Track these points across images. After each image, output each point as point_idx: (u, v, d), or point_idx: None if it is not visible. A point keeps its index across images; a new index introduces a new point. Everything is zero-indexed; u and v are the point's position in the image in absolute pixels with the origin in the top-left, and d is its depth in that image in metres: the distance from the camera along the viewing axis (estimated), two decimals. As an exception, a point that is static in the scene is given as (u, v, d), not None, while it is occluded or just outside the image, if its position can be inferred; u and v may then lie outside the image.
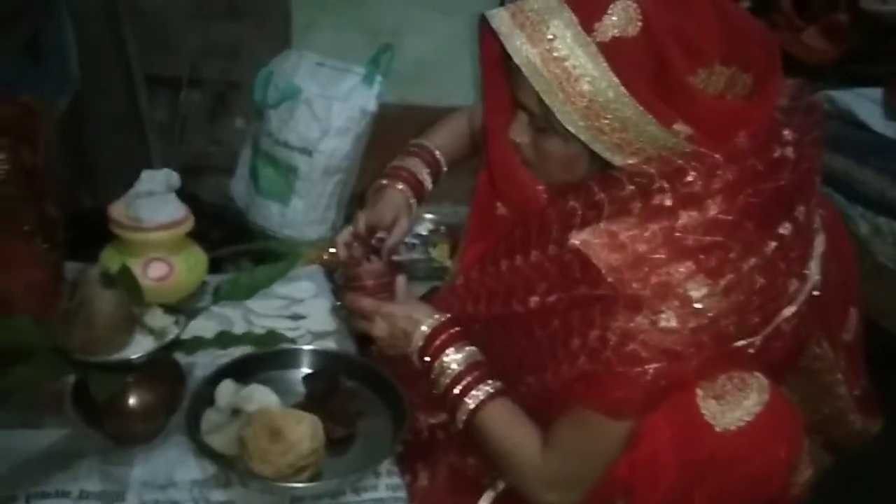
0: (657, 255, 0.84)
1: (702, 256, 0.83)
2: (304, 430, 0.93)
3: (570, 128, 0.85)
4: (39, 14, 1.54)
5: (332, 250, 1.27)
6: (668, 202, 0.84)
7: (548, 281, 0.93)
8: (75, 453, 0.92)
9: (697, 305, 0.83)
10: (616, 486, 0.89)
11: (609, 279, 0.84)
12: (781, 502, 0.92)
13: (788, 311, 0.88)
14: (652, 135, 0.84)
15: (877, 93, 1.81)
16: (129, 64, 1.75)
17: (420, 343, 1.01)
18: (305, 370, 1.10)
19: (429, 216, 2.10)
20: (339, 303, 1.15)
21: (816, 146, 0.94)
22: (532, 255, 0.95)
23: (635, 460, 0.87)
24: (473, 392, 0.98)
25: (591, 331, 0.87)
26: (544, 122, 0.89)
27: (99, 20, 1.74)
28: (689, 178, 0.84)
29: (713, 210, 0.84)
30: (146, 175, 1.15)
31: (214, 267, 1.65)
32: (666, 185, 0.84)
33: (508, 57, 0.86)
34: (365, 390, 1.09)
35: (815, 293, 0.91)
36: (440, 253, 1.97)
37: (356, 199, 1.21)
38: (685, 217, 0.84)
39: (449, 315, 1.03)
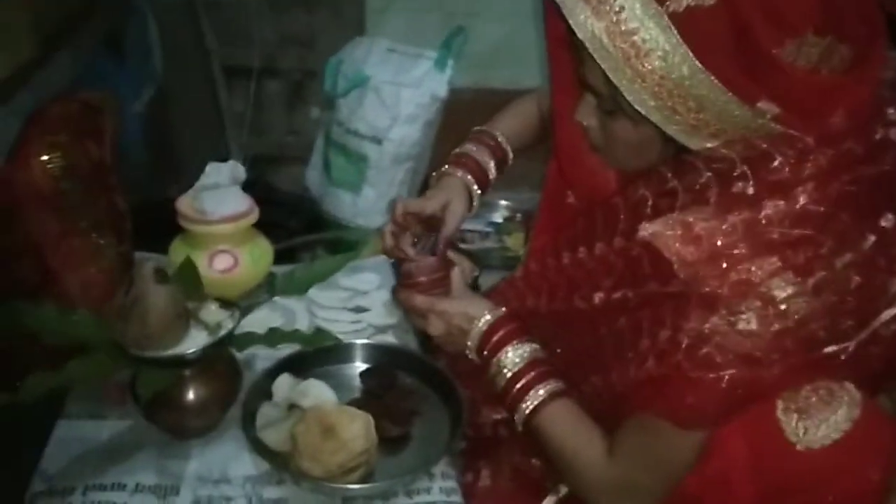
0: (737, 250, 0.74)
1: (788, 252, 0.73)
2: (357, 429, 0.89)
3: (640, 108, 0.76)
4: (118, 10, 1.56)
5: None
6: (751, 190, 0.74)
7: (614, 276, 0.84)
8: (135, 446, 0.91)
9: (782, 306, 0.73)
10: (685, 503, 0.80)
11: (682, 275, 0.75)
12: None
13: (888, 313, 0.76)
14: (733, 115, 0.74)
15: None
16: (209, 57, 1.76)
17: (477, 340, 0.95)
18: (364, 365, 1.06)
19: (504, 203, 2.02)
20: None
21: None
22: (597, 248, 0.87)
23: (707, 476, 0.78)
24: (533, 392, 0.91)
25: (662, 331, 0.78)
26: (612, 104, 0.80)
27: (179, 14, 1.76)
28: (776, 164, 0.74)
29: (803, 199, 0.73)
30: (211, 168, 1.14)
31: (289, 257, 1.65)
32: (748, 172, 0.74)
33: (573, 33, 0.77)
34: (423, 387, 1.04)
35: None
36: (515, 241, 1.90)
37: (427, 185, 1.16)
38: (770, 207, 0.74)
39: (506, 310, 0.96)
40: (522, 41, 1.94)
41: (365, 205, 1.79)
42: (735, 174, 0.75)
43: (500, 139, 1.13)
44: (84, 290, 0.92)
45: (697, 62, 0.72)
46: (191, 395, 0.89)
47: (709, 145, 0.77)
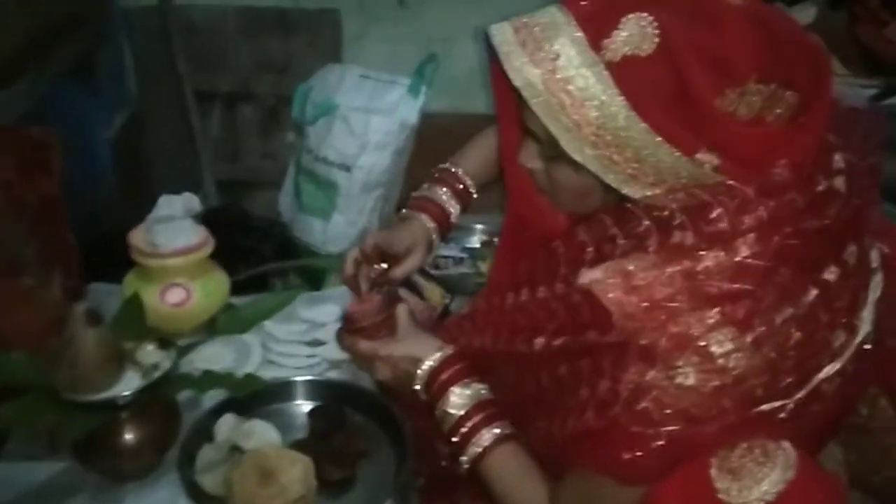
0: (676, 303, 0.70)
1: (728, 306, 0.70)
2: (297, 473, 0.86)
3: (577, 157, 0.73)
4: (87, 35, 1.53)
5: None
6: (690, 241, 0.71)
7: (555, 322, 0.81)
8: (69, 489, 0.88)
9: (720, 361, 0.69)
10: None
11: (620, 325, 0.72)
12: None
13: (831, 368, 0.73)
14: (671, 166, 0.71)
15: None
16: (181, 81, 1.73)
17: (423, 382, 0.92)
18: (312, 403, 1.03)
19: (479, 226, 1.98)
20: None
21: (875, 173, 0.78)
22: (539, 292, 0.84)
23: (643, 533, 0.74)
24: (478, 436, 0.88)
25: (601, 381, 0.75)
26: (553, 150, 0.77)
27: (153, 40, 1.74)
28: (715, 215, 0.71)
29: (743, 252, 0.70)
30: (164, 200, 1.11)
31: (260, 283, 1.62)
32: (688, 222, 0.71)
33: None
34: (373, 425, 1.01)
35: (867, 346, 0.75)
36: (490, 267, 1.86)
37: (399, 212, 1.13)
38: (709, 259, 0.70)
39: (454, 349, 0.93)
40: (499, 68, 1.91)
41: (335, 232, 1.75)
42: (674, 224, 0.72)
43: (465, 179, 1.10)
44: (19, 331, 0.88)
45: (634, 113, 0.69)
46: (125, 438, 0.86)
47: (650, 193, 0.74)
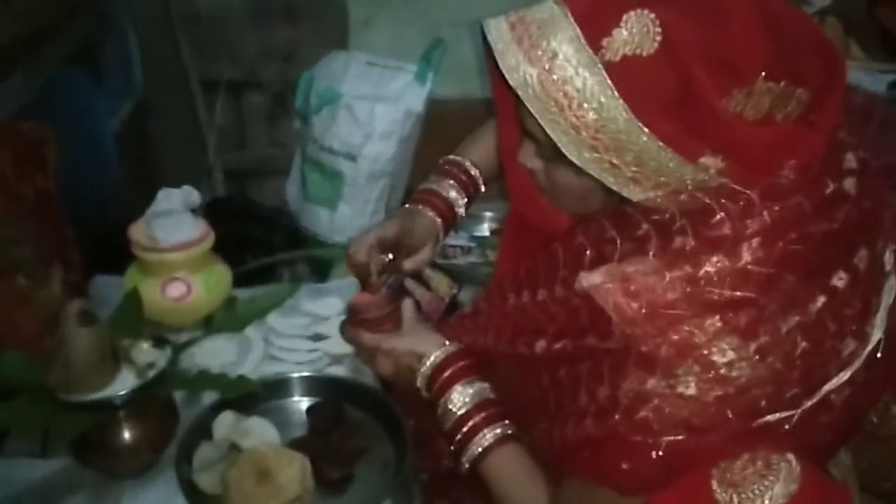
0: (677, 309, 0.67)
1: (730, 313, 0.66)
2: (294, 472, 0.84)
3: (575, 160, 0.68)
4: (89, 26, 1.50)
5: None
6: (690, 246, 0.68)
7: (556, 325, 0.78)
8: (68, 486, 0.87)
9: (723, 371, 0.66)
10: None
11: (620, 331, 0.69)
12: None
13: (840, 378, 0.69)
14: (673, 170, 0.66)
15: None
16: (186, 70, 1.70)
17: (425, 379, 0.90)
18: (312, 399, 1.01)
19: (489, 214, 1.95)
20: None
21: (889, 173, 0.74)
22: (539, 294, 0.81)
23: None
24: (479, 436, 0.85)
25: (600, 388, 0.72)
26: (551, 152, 0.73)
27: (160, 28, 1.70)
28: (717, 219, 0.67)
29: (746, 258, 0.66)
30: (163, 194, 1.09)
31: (268, 273, 1.60)
32: (688, 226, 0.68)
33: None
34: (372, 422, 0.99)
35: (879, 354, 0.72)
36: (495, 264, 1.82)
37: (407, 199, 1.10)
38: (711, 265, 0.67)
39: (458, 345, 0.90)
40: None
41: (341, 221, 1.72)
42: (674, 228, 0.68)
43: (472, 172, 1.06)
44: (14, 331, 0.87)
45: (634, 116, 0.65)
46: (121, 437, 0.84)
47: (651, 195, 0.70)
